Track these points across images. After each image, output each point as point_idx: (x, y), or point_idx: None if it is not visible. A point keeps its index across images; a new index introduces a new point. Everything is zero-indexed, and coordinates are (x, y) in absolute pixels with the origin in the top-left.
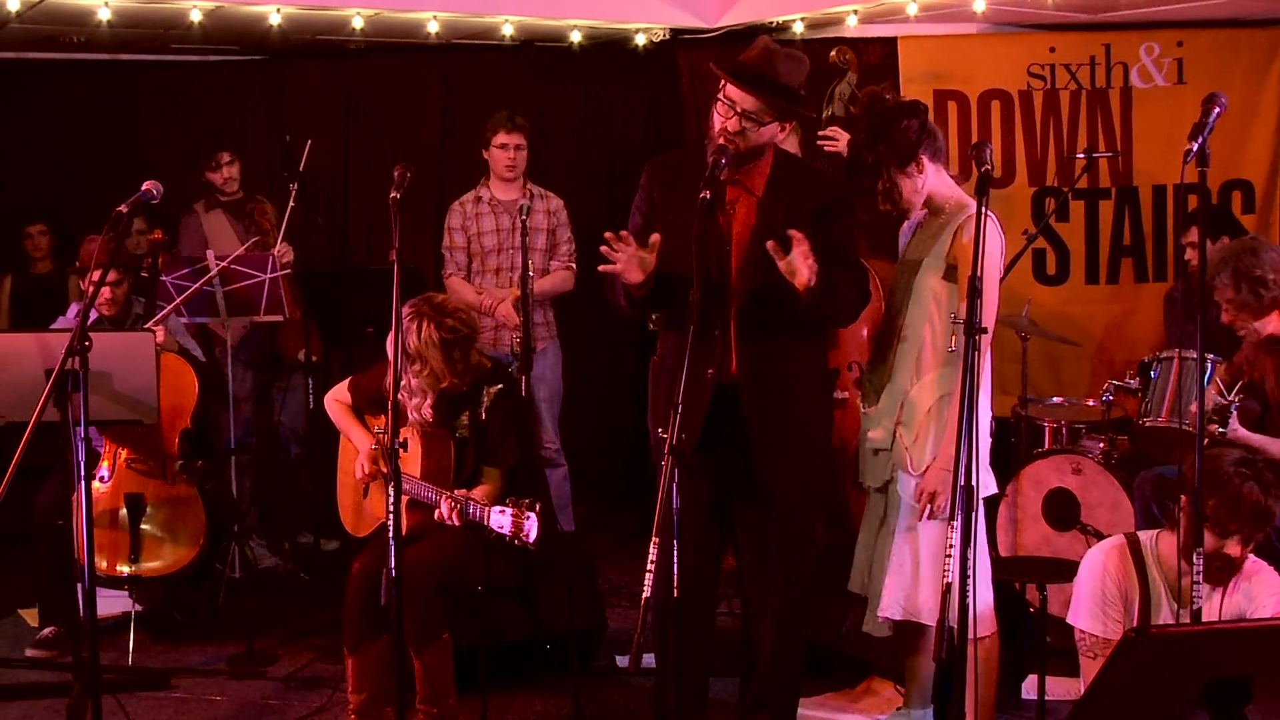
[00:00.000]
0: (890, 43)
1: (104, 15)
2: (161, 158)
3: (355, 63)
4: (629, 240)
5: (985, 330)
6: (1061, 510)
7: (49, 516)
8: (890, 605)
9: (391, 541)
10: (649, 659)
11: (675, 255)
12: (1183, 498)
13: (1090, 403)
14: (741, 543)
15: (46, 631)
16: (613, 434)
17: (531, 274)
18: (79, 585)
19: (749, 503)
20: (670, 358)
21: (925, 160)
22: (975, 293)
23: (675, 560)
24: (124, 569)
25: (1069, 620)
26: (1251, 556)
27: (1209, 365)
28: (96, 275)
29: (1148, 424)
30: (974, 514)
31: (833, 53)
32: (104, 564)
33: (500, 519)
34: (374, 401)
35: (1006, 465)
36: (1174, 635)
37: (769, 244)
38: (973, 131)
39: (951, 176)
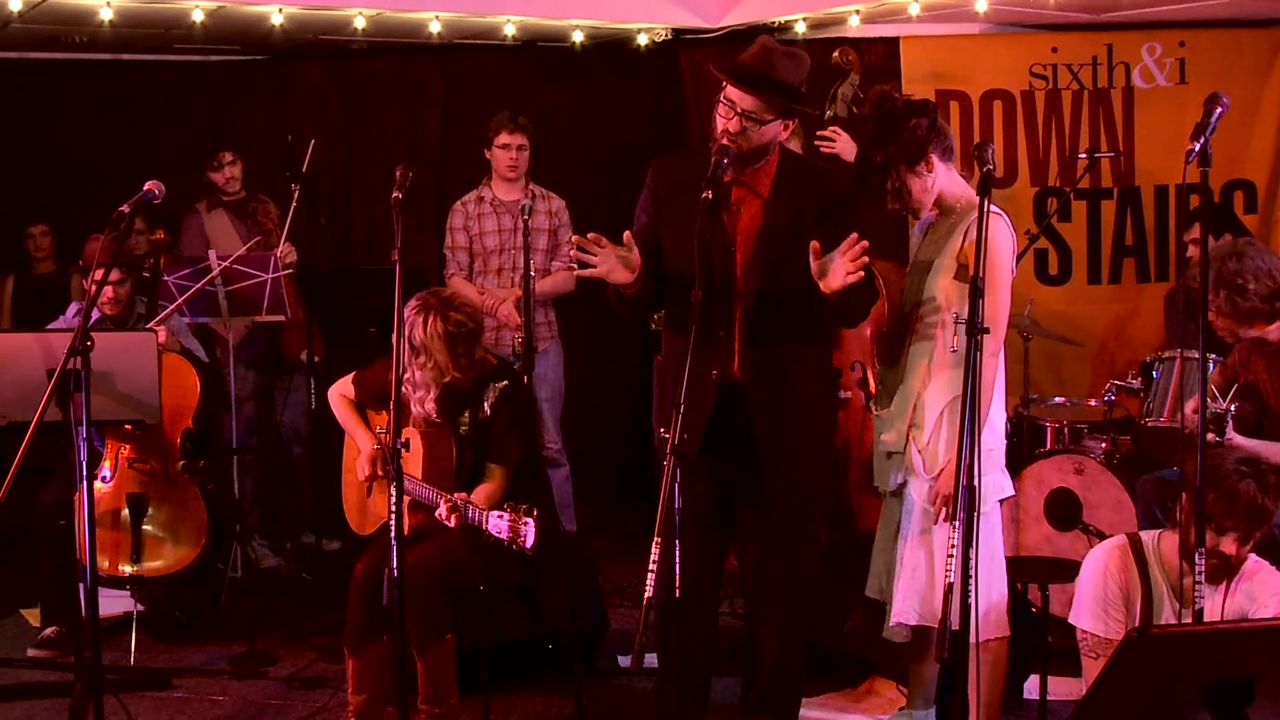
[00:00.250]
0: (892, 43)
1: (106, 15)
2: (163, 157)
3: (357, 63)
4: (602, 241)
5: (987, 330)
6: (1063, 510)
7: (51, 517)
8: (905, 610)
9: (394, 542)
10: (651, 659)
11: (680, 255)
12: (1183, 495)
13: (1092, 403)
14: (744, 543)
15: (48, 631)
16: (614, 434)
17: (533, 274)
18: (81, 585)
19: (752, 503)
20: (675, 358)
21: (935, 159)
22: (977, 292)
23: (677, 560)
24: (126, 569)
25: (1070, 620)
26: (1253, 556)
27: (1210, 365)
28: (99, 275)
29: (1150, 424)
30: (982, 515)
31: (835, 53)
32: (106, 564)
33: (498, 524)
34: (378, 397)
35: (1009, 465)
36: (1176, 635)
37: (813, 243)
38: (975, 131)
39: (962, 175)
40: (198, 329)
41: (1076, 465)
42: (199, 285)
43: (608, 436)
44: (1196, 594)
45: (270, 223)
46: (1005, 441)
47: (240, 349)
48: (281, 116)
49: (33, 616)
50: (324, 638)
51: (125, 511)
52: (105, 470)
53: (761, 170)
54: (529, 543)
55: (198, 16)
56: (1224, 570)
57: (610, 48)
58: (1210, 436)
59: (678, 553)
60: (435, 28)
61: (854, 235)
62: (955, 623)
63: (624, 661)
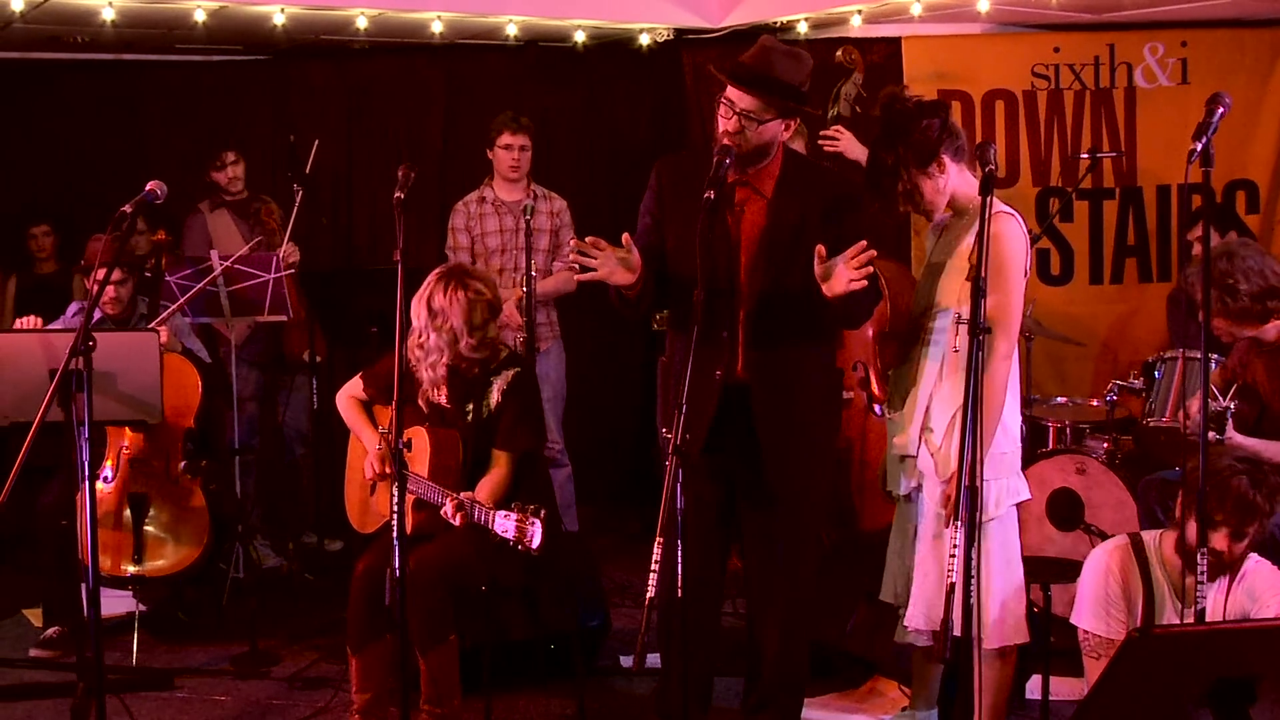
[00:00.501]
0: (894, 43)
1: (108, 15)
2: (165, 158)
3: (359, 63)
4: (602, 244)
5: (988, 330)
6: (1065, 510)
7: (53, 517)
8: (915, 615)
9: (396, 542)
10: (653, 659)
11: (684, 255)
12: (1180, 492)
13: (1094, 403)
14: (746, 543)
15: (51, 631)
16: (616, 434)
17: (535, 274)
18: (83, 585)
19: (754, 503)
20: (679, 358)
21: (947, 160)
22: (979, 292)
23: (679, 561)
24: (128, 569)
25: (1072, 620)
26: (1255, 556)
27: (1212, 365)
28: (100, 275)
29: (1152, 424)
30: (997, 520)
31: (839, 52)
32: (108, 564)
33: (504, 524)
34: (387, 388)
35: None
36: (1178, 635)
37: (818, 247)
38: (977, 132)
39: (974, 176)
40: (200, 328)
41: (1078, 465)
42: (200, 285)
43: (610, 437)
44: (1198, 594)
45: (273, 223)
46: (1020, 445)
47: (243, 349)
48: (283, 117)
49: (35, 617)
50: (326, 638)
51: (127, 512)
52: (107, 470)
53: (765, 170)
54: (535, 543)
55: (199, 16)
56: (1219, 567)
57: (612, 48)
58: (1211, 435)
59: (680, 553)
60: (437, 28)
61: (862, 243)
62: (958, 624)
63: (626, 662)
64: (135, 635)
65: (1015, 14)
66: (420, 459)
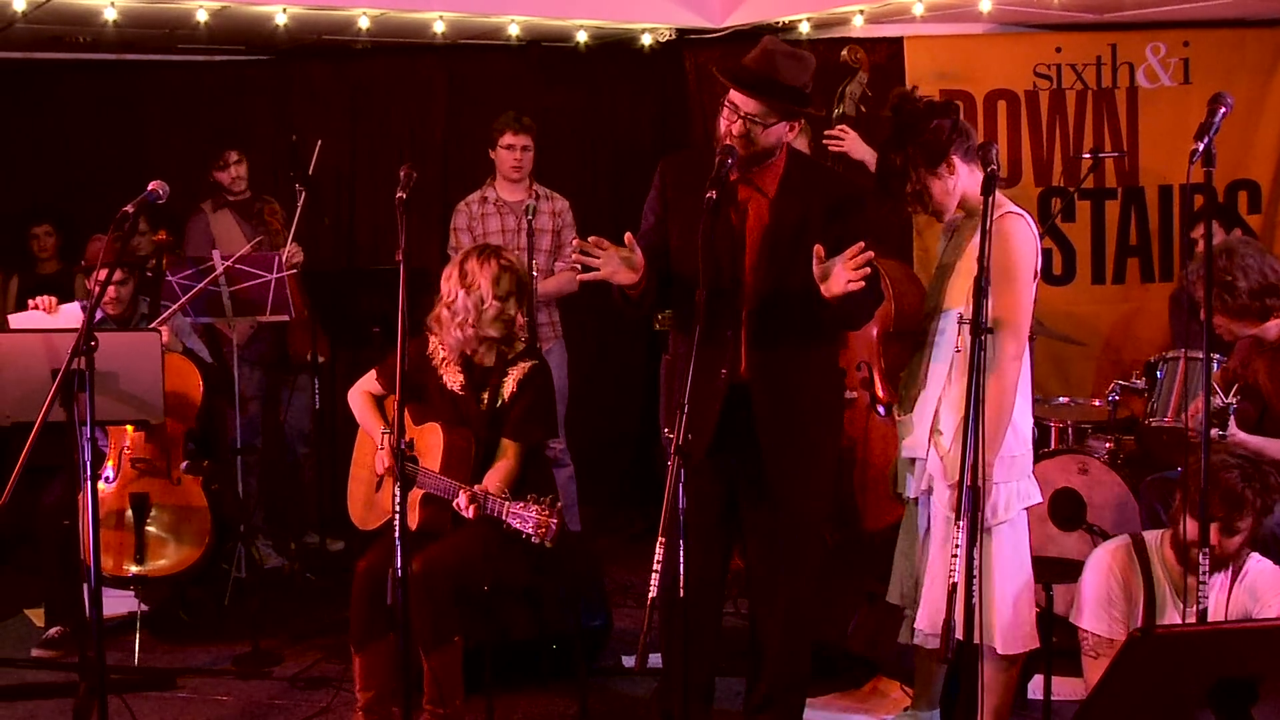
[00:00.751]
0: (896, 43)
1: (110, 15)
2: (167, 158)
3: (361, 63)
4: (604, 243)
5: (990, 330)
6: (1067, 510)
7: (55, 517)
8: (921, 617)
9: (398, 541)
10: (655, 659)
11: (687, 255)
12: (1178, 490)
13: (1096, 403)
14: (749, 543)
15: (52, 631)
16: (618, 434)
17: (537, 274)
18: (85, 585)
19: (756, 503)
20: (682, 358)
21: (957, 161)
22: (981, 292)
23: (682, 560)
24: (130, 569)
25: (1072, 620)
26: (1256, 555)
27: (1214, 365)
28: (102, 275)
29: (1154, 424)
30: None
31: (844, 51)
32: (110, 564)
33: (522, 516)
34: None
35: None
36: (1179, 635)
37: (816, 248)
38: (979, 132)
39: None
40: (203, 329)
41: (1080, 465)
42: (201, 285)
43: (612, 437)
44: (1200, 593)
45: (276, 223)
46: (1032, 448)
47: (245, 349)
48: (285, 117)
49: (37, 616)
50: (328, 637)
51: (129, 512)
52: (108, 470)
53: (768, 170)
54: (551, 539)
55: (202, 17)
56: (1212, 562)
57: (614, 48)
58: (1214, 431)
59: (682, 553)
60: (439, 28)
61: (859, 245)
62: (959, 624)
63: (628, 662)
64: (137, 635)
65: (1017, 14)
66: (433, 454)
